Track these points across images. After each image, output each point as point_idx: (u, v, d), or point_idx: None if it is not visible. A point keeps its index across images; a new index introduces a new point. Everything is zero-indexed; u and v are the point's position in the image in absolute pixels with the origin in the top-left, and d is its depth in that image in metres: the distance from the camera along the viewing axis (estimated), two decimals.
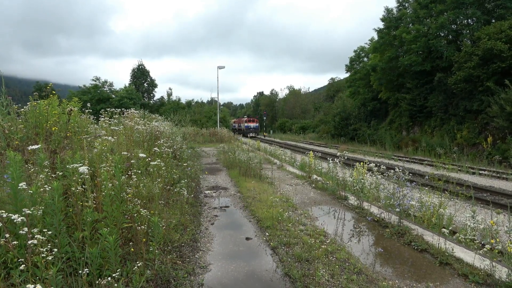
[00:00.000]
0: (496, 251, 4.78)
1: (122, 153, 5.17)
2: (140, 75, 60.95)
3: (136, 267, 3.50)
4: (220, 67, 35.31)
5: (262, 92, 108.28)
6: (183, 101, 57.51)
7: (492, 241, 4.84)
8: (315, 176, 11.37)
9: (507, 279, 3.96)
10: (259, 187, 9.50)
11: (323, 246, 4.99)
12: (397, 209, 6.26)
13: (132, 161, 5.57)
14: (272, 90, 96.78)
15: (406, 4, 31.91)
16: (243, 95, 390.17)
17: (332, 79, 75.09)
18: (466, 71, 21.90)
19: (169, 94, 59.99)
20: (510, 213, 6.99)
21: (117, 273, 3.24)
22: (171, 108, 47.29)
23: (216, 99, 45.83)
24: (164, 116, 21.08)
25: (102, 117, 7.55)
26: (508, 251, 4.49)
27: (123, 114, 8.83)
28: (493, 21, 23.89)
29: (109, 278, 3.08)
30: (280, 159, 17.47)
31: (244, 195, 8.82)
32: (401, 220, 6.20)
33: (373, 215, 6.90)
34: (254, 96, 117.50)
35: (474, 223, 5.58)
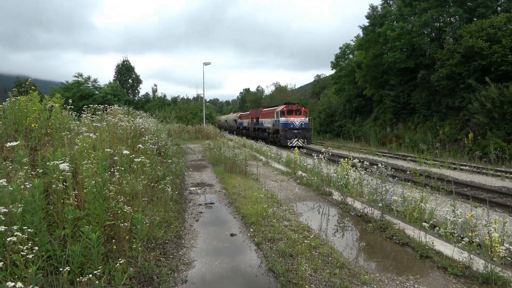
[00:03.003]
0: (475, 244, 4.91)
1: (105, 150, 5.11)
2: (125, 71, 60.03)
3: (118, 264, 3.48)
4: (206, 63, 35.01)
5: (248, 88, 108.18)
6: (168, 97, 56.98)
7: (470, 234, 4.97)
8: (300, 172, 11.44)
9: (484, 271, 4.08)
10: (245, 184, 9.51)
11: (306, 241, 5.04)
12: (380, 204, 6.37)
13: (115, 158, 5.51)
14: (258, 87, 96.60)
15: (391, 2, 32.29)
16: (228, 91, 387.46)
17: (317, 76, 75.39)
18: (448, 69, 22.32)
19: (154, 91, 59.35)
20: (489, 207, 7.19)
21: (99, 271, 3.22)
22: (156, 105, 46.81)
23: (202, 96, 45.02)
24: (149, 112, 20.89)
25: (84, 114, 7.45)
26: (486, 244, 4.62)
27: (106, 110, 8.71)
28: (475, 19, 24.34)
29: (91, 276, 3.06)
30: (266, 155, 17.50)
31: (229, 192, 8.82)
32: (384, 215, 6.31)
33: (356, 210, 6.99)
34: (240, 92, 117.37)
35: (454, 217, 5.72)
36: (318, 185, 9.24)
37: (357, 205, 7.40)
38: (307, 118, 27.71)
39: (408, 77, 28.78)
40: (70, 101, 6.56)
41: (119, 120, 7.97)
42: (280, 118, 27.07)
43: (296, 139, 26.06)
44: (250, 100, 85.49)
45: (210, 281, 4.13)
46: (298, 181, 10.27)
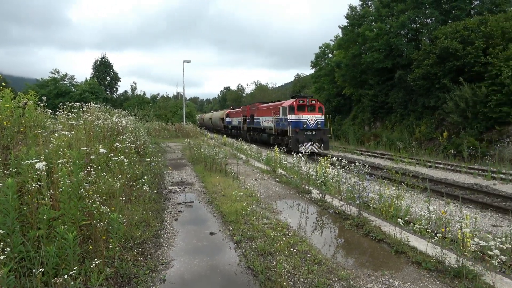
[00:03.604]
0: (448, 239, 5.07)
1: (81, 148, 5.02)
2: (103, 68, 58.71)
3: (94, 264, 3.42)
4: (186, 61, 34.62)
5: (229, 87, 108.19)
6: (148, 95, 56.12)
7: (443, 230, 5.13)
8: (280, 171, 11.51)
9: (455, 265, 4.22)
10: (224, 182, 9.50)
11: (285, 239, 5.09)
12: (357, 202, 6.49)
13: (91, 156, 5.41)
14: (238, 85, 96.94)
15: (369, 3, 32.84)
16: (208, 89, 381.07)
17: (298, 75, 75.95)
18: (424, 69, 22.90)
19: (133, 88, 58.34)
20: (461, 204, 7.43)
21: (74, 272, 3.16)
22: (135, 103, 45.98)
23: (182, 94, 44.19)
24: (128, 110, 20.57)
25: (60, 112, 7.26)
26: (458, 239, 4.78)
27: (82, 108, 8.54)
28: (450, 21, 25.05)
29: (66, 277, 3.00)
30: (246, 154, 17.50)
31: (209, 190, 8.80)
32: (361, 212, 6.43)
33: (334, 208, 7.09)
34: (221, 91, 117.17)
35: (428, 213, 5.89)
36: (297, 183, 9.32)
37: (336, 202, 7.51)
38: (323, 116, 21.31)
39: (386, 77, 29.38)
40: (44, 98, 6.39)
41: (96, 118, 7.83)
42: (288, 116, 20.56)
43: (310, 143, 19.66)
44: (231, 99, 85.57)
45: (189, 280, 4.12)
46: (278, 179, 10.33)
